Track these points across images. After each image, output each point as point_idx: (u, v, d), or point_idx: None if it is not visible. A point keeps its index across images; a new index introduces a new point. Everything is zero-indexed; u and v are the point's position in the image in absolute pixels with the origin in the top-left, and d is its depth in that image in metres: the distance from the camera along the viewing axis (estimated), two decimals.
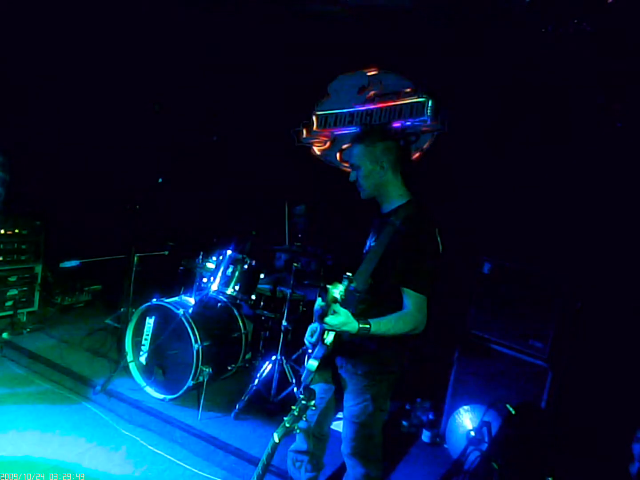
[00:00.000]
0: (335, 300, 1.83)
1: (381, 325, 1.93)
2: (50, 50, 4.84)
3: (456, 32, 3.99)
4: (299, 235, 4.28)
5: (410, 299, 1.99)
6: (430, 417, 3.46)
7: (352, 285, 1.85)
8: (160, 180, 4.04)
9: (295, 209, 4.33)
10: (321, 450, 2.43)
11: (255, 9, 4.69)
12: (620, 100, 3.38)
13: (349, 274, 1.88)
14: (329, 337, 2.06)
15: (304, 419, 1.90)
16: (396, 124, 4.36)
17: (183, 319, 3.40)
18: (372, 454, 2.26)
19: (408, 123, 4.32)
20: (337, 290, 1.82)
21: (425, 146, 4.27)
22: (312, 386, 2.26)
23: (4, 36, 4.53)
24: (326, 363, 2.21)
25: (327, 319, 1.88)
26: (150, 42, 5.13)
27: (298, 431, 1.91)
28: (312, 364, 2.09)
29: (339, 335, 2.06)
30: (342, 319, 1.86)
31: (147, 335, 3.60)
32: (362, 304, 2.08)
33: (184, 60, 5.17)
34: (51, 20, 4.77)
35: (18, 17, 4.65)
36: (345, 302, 2.09)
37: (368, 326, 1.89)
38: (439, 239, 2.10)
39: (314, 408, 1.94)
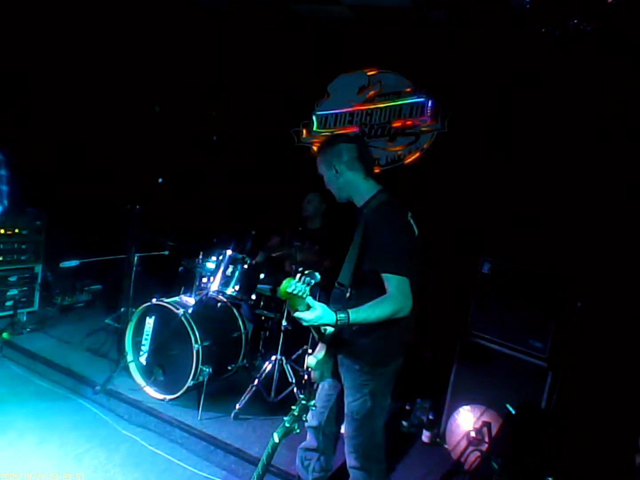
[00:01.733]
0: (288, 295, 1.85)
1: (360, 312, 1.97)
2: (52, 50, 4.84)
3: (456, 31, 3.99)
4: (306, 223, 4.31)
5: (389, 282, 2.02)
6: (430, 417, 3.45)
7: (307, 279, 1.86)
8: (160, 180, 4.03)
9: (309, 195, 4.31)
10: (330, 450, 2.43)
11: (255, 8, 4.70)
12: (620, 100, 3.38)
13: (301, 268, 1.92)
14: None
15: (304, 418, 1.91)
16: (396, 124, 4.37)
17: (183, 318, 3.40)
18: (374, 454, 2.27)
19: (408, 123, 4.33)
20: (289, 285, 1.83)
21: (425, 146, 4.27)
22: (322, 382, 2.30)
23: (6, 36, 4.53)
24: (333, 359, 2.23)
25: (303, 315, 1.91)
26: (150, 42, 5.13)
27: (298, 431, 1.92)
28: (311, 361, 2.13)
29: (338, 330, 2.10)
30: (318, 313, 1.90)
31: (147, 335, 3.60)
32: (352, 300, 2.12)
33: (185, 60, 5.17)
34: (52, 19, 4.77)
35: (20, 16, 4.65)
36: (333, 299, 2.12)
37: (345, 315, 1.93)
38: (412, 222, 2.18)
39: (314, 408, 1.95)
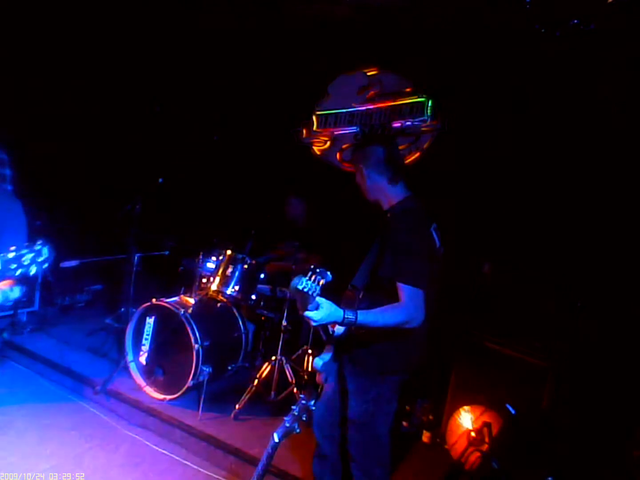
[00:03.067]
0: (298, 292, 1.80)
1: (368, 315, 1.94)
2: (52, 48, 4.84)
3: (456, 31, 3.99)
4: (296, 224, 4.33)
5: (402, 291, 1.98)
6: (430, 417, 3.46)
7: (319, 277, 1.82)
8: (160, 180, 4.03)
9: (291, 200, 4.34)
10: (339, 453, 2.38)
11: (256, 8, 4.69)
12: (620, 101, 3.38)
13: (313, 266, 1.87)
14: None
15: (304, 418, 1.91)
16: (396, 124, 4.37)
17: (183, 318, 3.40)
18: (376, 457, 2.26)
19: (408, 123, 4.33)
20: (299, 282, 1.79)
21: (425, 146, 4.27)
22: (325, 385, 2.29)
23: (6, 35, 4.53)
24: (338, 361, 2.22)
25: (312, 315, 1.87)
26: (151, 42, 5.13)
27: (298, 431, 1.91)
28: (317, 362, 2.13)
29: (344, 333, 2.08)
30: (325, 311, 1.86)
31: (147, 335, 3.60)
32: (364, 303, 2.10)
33: (185, 60, 5.17)
34: (52, 19, 4.77)
35: (21, 17, 4.65)
36: (344, 301, 2.12)
37: (353, 315, 1.90)
38: (434, 234, 2.13)
39: (314, 408, 1.95)
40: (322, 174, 4.74)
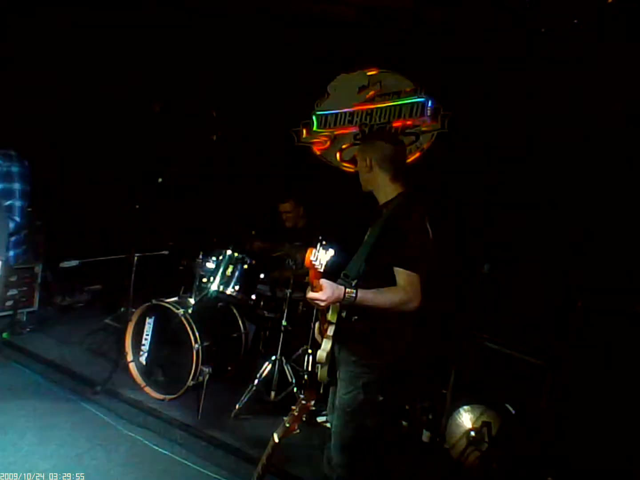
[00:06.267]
0: (310, 265, 1.81)
1: (368, 294, 2.02)
2: (52, 48, 4.84)
3: (457, 31, 3.99)
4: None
5: (400, 275, 2.07)
6: (430, 417, 3.46)
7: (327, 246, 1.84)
8: (160, 180, 4.03)
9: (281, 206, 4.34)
10: None
11: (256, 8, 4.69)
12: (621, 101, 3.38)
13: (321, 237, 1.88)
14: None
15: (304, 418, 1.91)
16: (396, 124, 4.37)
17: (183, 318, 3.40)
18: (360, 452, 2.24)
19: (408, 123, 4.33)
20: (312, 254, 1.80)
21: (425, 146, 4.27)
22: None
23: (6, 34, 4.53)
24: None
25: (318, 295, 1.91)
26: (151, 42, 5.13)
27: (298, 431, 1.92)
28: (322, 355, 2.13)
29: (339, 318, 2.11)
30: (329, 290, 1.93)
31: (147, 335, 3.60)
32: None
33: (185, 60, 5.17)
34: (52, 19, 4.78)
35: (21, 16, 4.66)
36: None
37: (354, 291, 1.98)
38: (428, 226, 2.22)
39: (313, 408, 1.95)
40: (321, 173, 4.74)
